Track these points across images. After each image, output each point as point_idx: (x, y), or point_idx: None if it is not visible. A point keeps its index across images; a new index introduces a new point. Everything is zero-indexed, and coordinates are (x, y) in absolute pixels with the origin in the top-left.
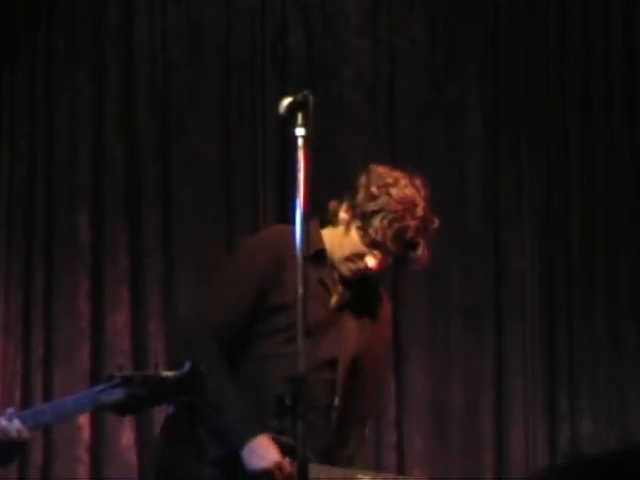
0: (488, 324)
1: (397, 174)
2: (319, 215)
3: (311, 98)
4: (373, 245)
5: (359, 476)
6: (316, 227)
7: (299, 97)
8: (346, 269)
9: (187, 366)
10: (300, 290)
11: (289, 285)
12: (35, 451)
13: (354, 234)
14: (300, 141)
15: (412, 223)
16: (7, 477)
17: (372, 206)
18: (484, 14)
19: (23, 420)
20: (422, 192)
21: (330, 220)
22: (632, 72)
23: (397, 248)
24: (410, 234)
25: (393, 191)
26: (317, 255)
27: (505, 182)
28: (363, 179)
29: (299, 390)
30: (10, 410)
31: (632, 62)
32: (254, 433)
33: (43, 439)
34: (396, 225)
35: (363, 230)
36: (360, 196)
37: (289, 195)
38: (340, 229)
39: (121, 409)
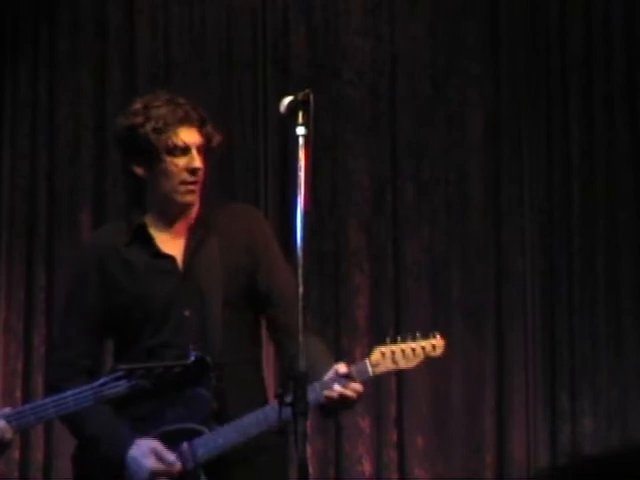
0: (489, 323)
1: None
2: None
3: (312, 97)
4: (174, 150)
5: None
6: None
7: (300, 96)
8: (184, 193)
9: (192, 356)
10: (300, 289)
11: (120, 279)
12: (36, 449)
13: (161, 166)
14: (301, 140)
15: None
16: (9, 475)
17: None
18: (484, 13)
19: (9, 419)
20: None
21: (139, 192)
22: (633, 71)
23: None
24: (166, 123)
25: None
26: (139, 233)
27: (506, 181)
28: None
29: (300, 388)
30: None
31: (633, 61)
32: (121, 454)
33: (44, 437)
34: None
35: (157, 155)
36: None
37: (290, 194)
38: (150, 179)
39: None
